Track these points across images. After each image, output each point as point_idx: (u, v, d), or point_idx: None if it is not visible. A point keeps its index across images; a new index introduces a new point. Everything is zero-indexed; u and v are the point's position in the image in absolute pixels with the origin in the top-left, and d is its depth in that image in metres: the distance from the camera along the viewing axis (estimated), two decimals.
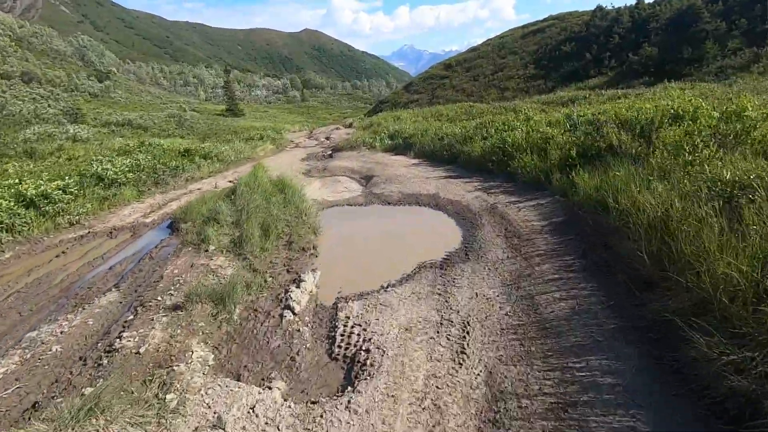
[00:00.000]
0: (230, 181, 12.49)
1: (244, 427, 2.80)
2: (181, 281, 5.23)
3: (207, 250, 6.35)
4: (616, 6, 39.91)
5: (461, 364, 3.23)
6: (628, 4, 38.72)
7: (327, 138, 31.25)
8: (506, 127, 10.35)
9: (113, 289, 5.35)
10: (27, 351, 4.04)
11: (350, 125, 39.74)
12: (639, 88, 24.30)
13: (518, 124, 10.34)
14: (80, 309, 4.85)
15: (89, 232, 7.89)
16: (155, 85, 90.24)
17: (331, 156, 17.50)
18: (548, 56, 40.04)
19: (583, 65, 35.11)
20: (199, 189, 11.69)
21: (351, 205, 8.79)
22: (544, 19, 48.93)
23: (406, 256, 5.73)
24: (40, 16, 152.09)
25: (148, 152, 16.16)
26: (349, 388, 3.16)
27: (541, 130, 8.23)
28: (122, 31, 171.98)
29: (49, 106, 36.63)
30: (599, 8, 39.81)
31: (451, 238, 6.24)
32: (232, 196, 8.41)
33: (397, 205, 8.36)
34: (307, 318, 4.47)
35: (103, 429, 2.47)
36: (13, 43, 56.78)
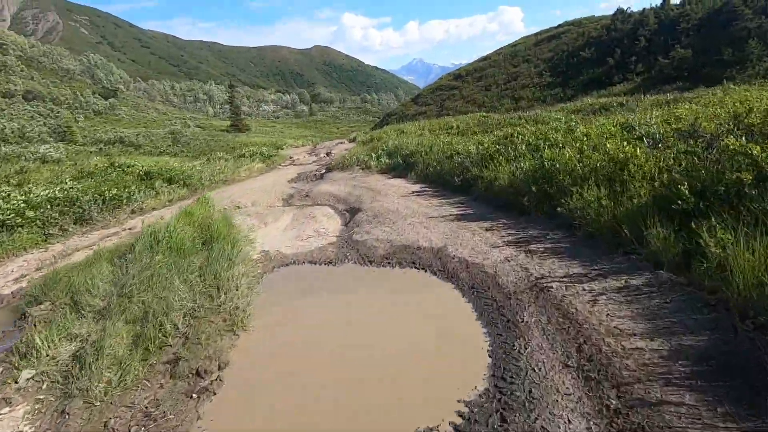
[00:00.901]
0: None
1: None
2: None
3: (16, 383, 3.38)
4: (635, 8, 36.91)
5: None
6: (650, 6, 35.56)
7: (327, 154, 28.52)
8: (544, 142, 7.29)
9: None
10: None
11: (353, 140, 37.09)
12: (674, 93, 21.08)
13: (561, 137, 7.25)
14: None
15: None
16: (166, 102, 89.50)
17: (321, 177, 14.66)
18: (565, 63, 36.97)
19: (605, 71, 31.94)
20: (136, 226, 8.85)
21: (315, 263, 5.79)
22: (559, 26, 45.98)
23: (380, 411, 2.74)
24: (60, 37, 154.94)
25: (104, 176, 13.50)
26: None
27: (607, 148, 5.13)
28: (138, 51, 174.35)
29: (44, 124, 34.68)
30: (620, 11, 36.69)
31: (469, 358, 3.23)
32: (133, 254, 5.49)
33: (382, 265, 5.35)
34: None
35: None
36: (21, 63, 55.86)
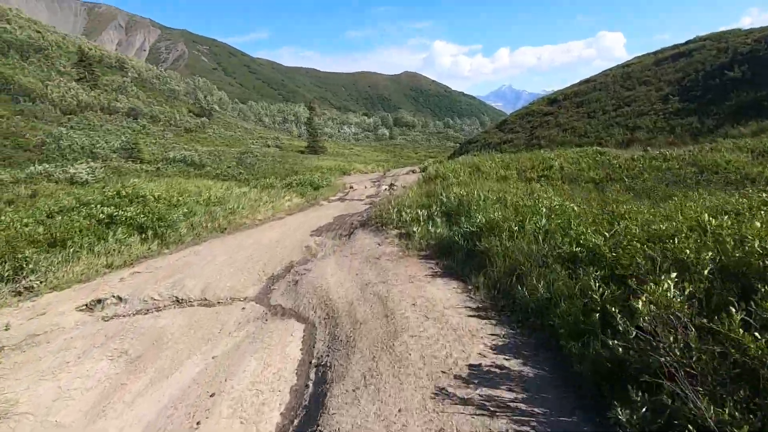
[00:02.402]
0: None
1: None
2: None
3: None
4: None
5: None
6: None
7: (390, 186, 23.82)
8: None
9: None
10: None
11: (424, 169, 32.05)
12: None
13: None
14: None
15: None
16: (258, 122, 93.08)
17: (351, 234, 9.78)
18: (701, 85, 28.44)
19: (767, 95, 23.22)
20: None
21: None
22: (688, 42, 36.94)
23: None
24: (185, 65, 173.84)
25: (69, 216, 9.98)
26: None
27: None
28: (246, 76, 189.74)
29: (118, 140, 34.64)
30: None
31: None
32: None
33: None
34: None
35: None
36: (134, 84, 60.21)
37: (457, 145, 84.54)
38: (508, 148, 35.61)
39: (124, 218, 9.37)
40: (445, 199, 8.72)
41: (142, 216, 9.62)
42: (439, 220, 7.69)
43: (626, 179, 9.59)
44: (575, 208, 5.87)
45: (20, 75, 41.73)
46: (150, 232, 9.26)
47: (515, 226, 5.31)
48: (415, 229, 7.41)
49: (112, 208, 9.98)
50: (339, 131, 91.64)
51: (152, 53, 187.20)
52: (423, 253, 6.56)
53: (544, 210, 5.97)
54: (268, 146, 56.20)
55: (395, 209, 9.52)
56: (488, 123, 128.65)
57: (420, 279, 5.39)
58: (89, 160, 24.16)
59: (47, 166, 17.68)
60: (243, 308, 5.84)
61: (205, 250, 8.73)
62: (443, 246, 6.38)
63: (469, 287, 4.88)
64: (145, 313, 5.77)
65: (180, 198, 15.63)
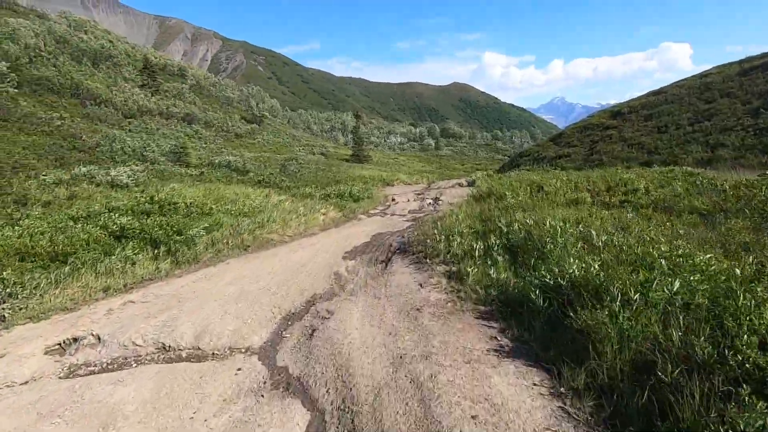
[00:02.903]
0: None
1: None
2: None
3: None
4: None
5: None
6: None
7: (435, 200, 22.11)
8: None
9: None
10: None
11: (471, 183, 29.92)
12: None
13: None
14: None
15: None
16: (306, 129, 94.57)
17: (388, 262, 8.20)
18: None
19: None
20: None
21: None
22: None
23: None
24: (242, 74, 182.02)
25: (91, 221, 9.16)
26: None
27: None
28: (298, 86, 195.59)
29: (173, 143, 35.38)
30: None
31: None
32: None
33: None
34: None
35: None
36: (191, 90, 62.71)
37: (506, 157, 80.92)
38: (564, 163, 32.75)
39: (138, 230, 8.36)
40: (505, 228, 6.90)
41: (158, 229, 8.58)
42: (500, 258, 5.89)
43: (746, 211, 7.31)
44: (717, 263, 3.92)
45: (89, 81, 44.26)
46: (163, 249, 8.18)
47: (632, 291, 3.46)
48: (468, 269, 5.67)
49: (129, 218, 9.05)
50: (385, 140, 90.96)
51: (213, 63, 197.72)
52: (481, 308, 4.80)
53: (663, 261, 4.05)
54: (314, 154, 56.22)
55: (442, 234, 7.81)
56: (539, 136, 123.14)
57: (480, 359, 3.66)
58: (137, 162, 24.45)
59: (92, 168, 17.62)
60: (238, 370, 4.38)
61: (219, 274, 7.47)
62: (511, 301, 4.60)
63: (561, 389, 3.10)
64: (117, 368, 4.47)
65: (213, 206, 14.85)
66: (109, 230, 8.19)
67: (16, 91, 23.49)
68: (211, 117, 56.71)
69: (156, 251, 8.11)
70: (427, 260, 7.02)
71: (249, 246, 9.53)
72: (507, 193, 10.76)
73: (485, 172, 40.08)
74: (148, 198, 13.03)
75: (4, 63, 27.89)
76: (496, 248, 6.28)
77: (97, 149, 24.31)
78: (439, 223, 9.20)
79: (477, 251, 6.46)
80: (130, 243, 7.86)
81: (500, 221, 7.45)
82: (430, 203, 21.13)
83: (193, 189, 19.12)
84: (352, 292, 6.69)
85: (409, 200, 23.29)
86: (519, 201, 10.00)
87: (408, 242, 9.45)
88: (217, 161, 29.99)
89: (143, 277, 7.18)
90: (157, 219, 9.45)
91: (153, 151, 27.35)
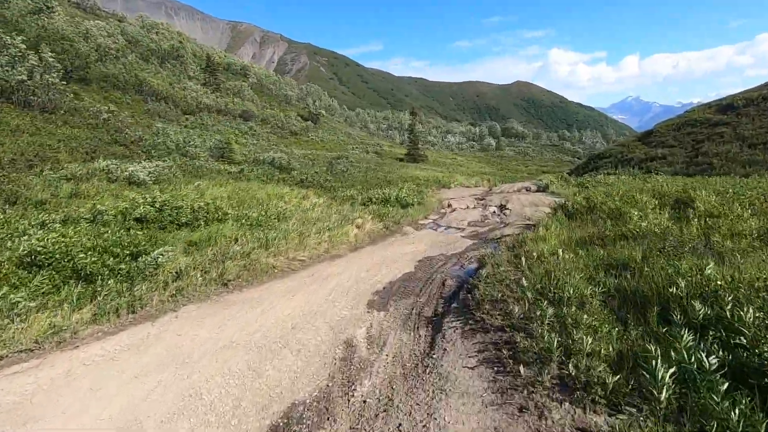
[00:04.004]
0: None
1: None
2: None
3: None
4: None
5: None
6: None
7: (501, 208, 18.08)
8: None
9: None
10: None
11: (545, 188, 25.09)
12: None
13: None
14: None
15: None
16: (363, 128, 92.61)
17: (429, 326, 4.72)
18: None
19: None
20: None
21: None
22: None
23: None
24: (305, 75, 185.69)
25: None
26: None
27: None
28: (358, 85, 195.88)
29: (218, 138, 34.15)
30: None
31: None
32: None
33: None
34: None
35: None
36: (251, 88, 62.80)
37: (575, 159, 72.96)
38: (659, 166, 26.84)
39: (59, 254, 5.51)
40: (701, 308, 3.05)
41: (94, 255, 5.69)
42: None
43: None
44: None
45: (154, 78, 44.92)
46: (89, 288, 5.25)
47: None
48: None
49: (68, 235, 6.27)
50: (442, 140, 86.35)
51: (279, 64, 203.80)
52: None
53: None
54: (368, 152, 53.52)
55: (531, 289, 4.10)
56: (612, 136, 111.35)
57: None
58: (179, 157, 22.89)
59: (112, 162, 15.79)
60: None
61: (138, 349, 4.36)
62: None
63: None
64: None
65: (231, 211, 12.14)
66: (19, 255, 5.47)
67: (64, 83, 22.98)
68: (268, 114, 56.06)
69: (80, 288, 5.21)
70: (518, 367, 3.35)
71: (232, 281, 6.39)
72: (633, 212, 6.67)
73: (556, 175, 34.74)
74: (149, 200, 10.56)
75: (58, 58, 27.85)
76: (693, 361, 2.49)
77: (140, 143, 23.05)
78: (525, 263, 5.45)
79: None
80: (37, 277, 5.04)
81: (678, 281, 3.59)
82: (494, 212, 17.13)
83: (221, 188, 16.77)
84: (361, 414, 3.26)
85: (468, 207, 19.38)
86: (659, 224, 5.94)
87: (471, 285, 5.81)
88: (261, 158, 27.97)
89: (22, 347, 4.23)
90: (115, 234, 6.63)
91: (196, 147, 25.82)
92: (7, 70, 20.45)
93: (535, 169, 58.34)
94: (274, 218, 11.79)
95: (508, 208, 17.26)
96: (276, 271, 7.20)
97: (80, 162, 16.64)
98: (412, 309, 5.66)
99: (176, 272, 6.15)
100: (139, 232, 7.06)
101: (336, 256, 8.70)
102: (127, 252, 6.10)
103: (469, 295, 5.61)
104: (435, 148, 76.14)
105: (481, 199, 22.70)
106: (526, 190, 27.57)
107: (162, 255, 6.23)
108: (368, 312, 5.62)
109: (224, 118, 46.43)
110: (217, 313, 5.22)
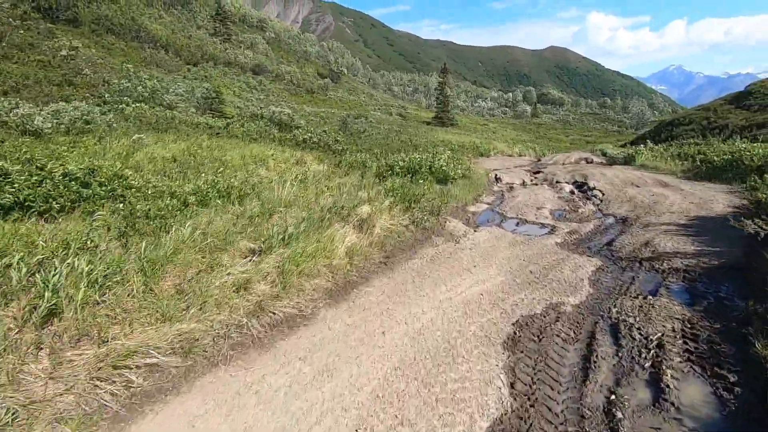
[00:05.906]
0: None
1: None
2: None
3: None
4: None
5: None
6: None
7: (580, 186, 12.05)
8: None
9: None
10: None
11: (611, 162, 18.40)
12: None
13: None
14: None
15: None
16: (387, 91, 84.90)
17: None
18: None
19: None
20: None
21: None
22: None
23: None
24: (331, 35, 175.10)
25: None
26: None
27: None
28: (384, 48, 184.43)
29: (205, 87, 28.46)
30: None
31: None
32: None
33: None
34: None
35: None
36: (266, 42, 56.23)
37: (622, 128, 64.00)
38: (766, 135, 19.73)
39: None
40: None
41: None
42: None
43: None
44: None
45: (155, 24, 39.11)
46: None
47: None
48: None
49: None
50: (472, 105, 78.07)
51: (304, 24, 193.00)
52: None
53: None
54: (391, 114, 46.97)
55: None
56: (661, 105, 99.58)
57: None
58: (149, 106, 17.57)
59: (96, 110, 10.62)
60: None
61: None
62: None
63: None
64: None
65: (151, 182, 6.76)
66: None
67: (46, 21, 17.79)
68: (284, 70, 49.76)
69: None
70: None
71: None
72: None
73: (615, 146, 27.70)
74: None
75: None
76: None
77: (103, 87, 17.73)
78: None
79: None
80: None
81: None
82: (573, 193, 11.13)
83: (173, 146, 11.35)
84: None
85: (525, 183, 13.37)
86: None
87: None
88: (259, 113, 22.33)
89: None
90: None
91: (177, 95, 20.38)
92: None
93: (578, 139, 50.59)
94: (218, 198, 6.30)
95: (595, 189, 11.20)
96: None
97: None
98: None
99: None
100: None
101: (277, 329, 3.13)
102: None
103: None
104: (464, 113, 68.41)
105: (537, 172, 16.56)
106: (586, 162, 21.10)
107: None
108: None
109: (232, 71, 40.54)
110: None
